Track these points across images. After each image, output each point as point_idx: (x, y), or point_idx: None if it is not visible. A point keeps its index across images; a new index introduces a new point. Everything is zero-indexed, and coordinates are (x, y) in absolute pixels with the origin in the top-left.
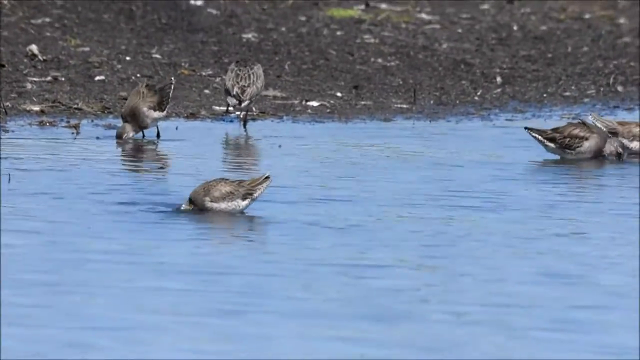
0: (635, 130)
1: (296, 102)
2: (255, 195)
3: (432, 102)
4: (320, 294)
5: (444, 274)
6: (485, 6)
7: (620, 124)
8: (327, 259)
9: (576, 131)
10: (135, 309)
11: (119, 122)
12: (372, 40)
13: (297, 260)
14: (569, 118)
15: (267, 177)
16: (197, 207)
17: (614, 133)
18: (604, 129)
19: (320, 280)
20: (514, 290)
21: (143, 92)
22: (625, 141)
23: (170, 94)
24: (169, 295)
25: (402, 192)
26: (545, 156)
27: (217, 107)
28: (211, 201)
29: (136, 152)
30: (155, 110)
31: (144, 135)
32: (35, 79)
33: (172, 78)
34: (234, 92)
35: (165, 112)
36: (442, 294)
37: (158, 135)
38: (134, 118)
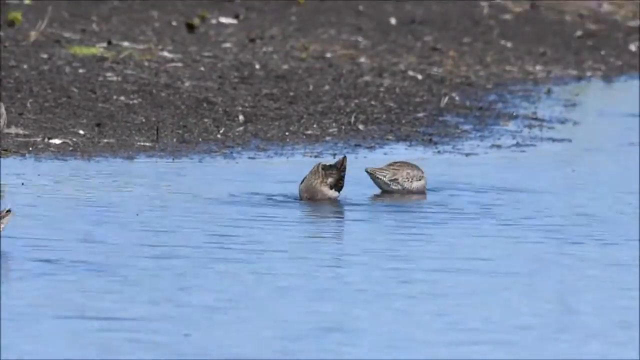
0: (411, 172)
1: (38, 139)
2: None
3: (175, 140)
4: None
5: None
6: (228, 44)
7: (395, 169)
8: (47, 306)
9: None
10: None
11: None
12: (114, 78)
13: (20, 305)
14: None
15: (8, 211)
16: None
17: (395, 180)
18: (384, 179)
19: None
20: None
21: None
22: (406, 184)
23: None
24: None
25: (145, 231)
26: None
27: None
28: None
29: None
30: None
31: None
32: None
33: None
34: None
35: None
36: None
37: None
38: None
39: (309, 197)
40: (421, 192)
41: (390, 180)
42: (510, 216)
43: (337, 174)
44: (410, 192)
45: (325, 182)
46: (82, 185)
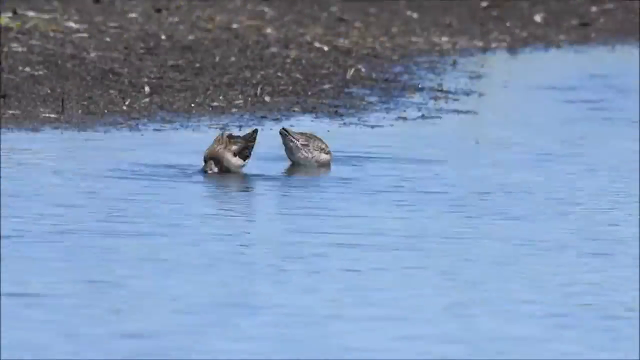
0: (319, 143)
1: None
2: None
3: (80, 111)
4: None
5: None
6: (133, 15)
7: (309, 137)
8: None
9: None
10: None
11: None
12: (19, 49)
13: None
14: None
15: None
16: None
17: (306, 145)
18: (297, 142)
19: None
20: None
21: None
22: (315, 153)
23: None
24: None
25: (44, 204)
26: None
27: None
28: None
29: None
30: None
31: None
32: None
33: None
34: None
35: None
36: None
37: None
38: None
39: (212, 160)
40: (326, 165)
41: (302, 145)
42: (416, 189)
43: (243, 142)
44: (318, 163)
45: (229, 149)
46: None
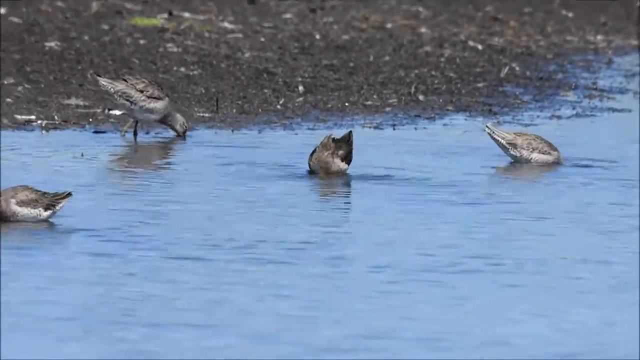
0: (534, 143)
1: (99, 110)
2: (57, 207)
3: (234, 111)
4: None
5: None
6: (288, 15)
7: (518, 135)
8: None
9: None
10: None
11: None
12: (175, 49)
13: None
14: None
15: (69, 194)
16: None
17: (513, 144)
18: (502, 140)
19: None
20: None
21: None
22: (524, 152)
23: None
24: None
25: (208, 201)
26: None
27: (19, 116)
28: (16, 203)
29: None
30: None
31: None
32: None
33: None
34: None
35: None
36: None
37: None
38: None
39: (322, 169)
40: (544, 165)
41: (509, 144)
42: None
43: (346, 147)
44: (529, 161)
45: (337, 154)
46: (138, 158)
